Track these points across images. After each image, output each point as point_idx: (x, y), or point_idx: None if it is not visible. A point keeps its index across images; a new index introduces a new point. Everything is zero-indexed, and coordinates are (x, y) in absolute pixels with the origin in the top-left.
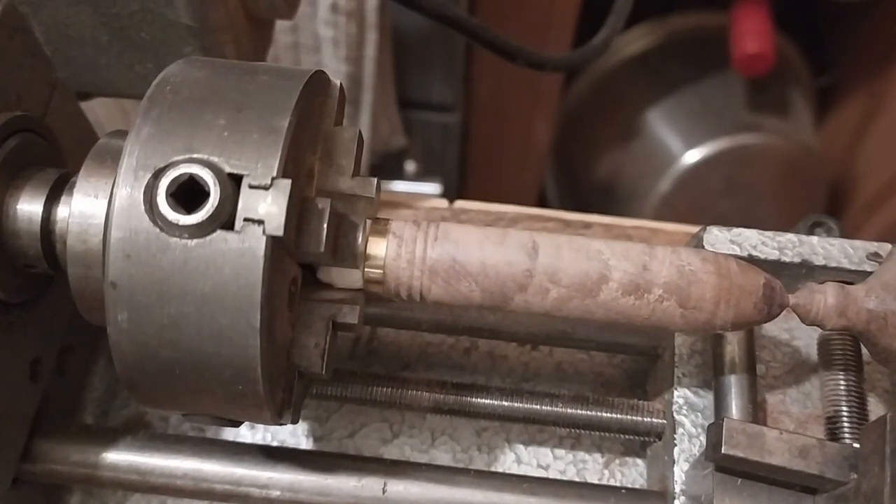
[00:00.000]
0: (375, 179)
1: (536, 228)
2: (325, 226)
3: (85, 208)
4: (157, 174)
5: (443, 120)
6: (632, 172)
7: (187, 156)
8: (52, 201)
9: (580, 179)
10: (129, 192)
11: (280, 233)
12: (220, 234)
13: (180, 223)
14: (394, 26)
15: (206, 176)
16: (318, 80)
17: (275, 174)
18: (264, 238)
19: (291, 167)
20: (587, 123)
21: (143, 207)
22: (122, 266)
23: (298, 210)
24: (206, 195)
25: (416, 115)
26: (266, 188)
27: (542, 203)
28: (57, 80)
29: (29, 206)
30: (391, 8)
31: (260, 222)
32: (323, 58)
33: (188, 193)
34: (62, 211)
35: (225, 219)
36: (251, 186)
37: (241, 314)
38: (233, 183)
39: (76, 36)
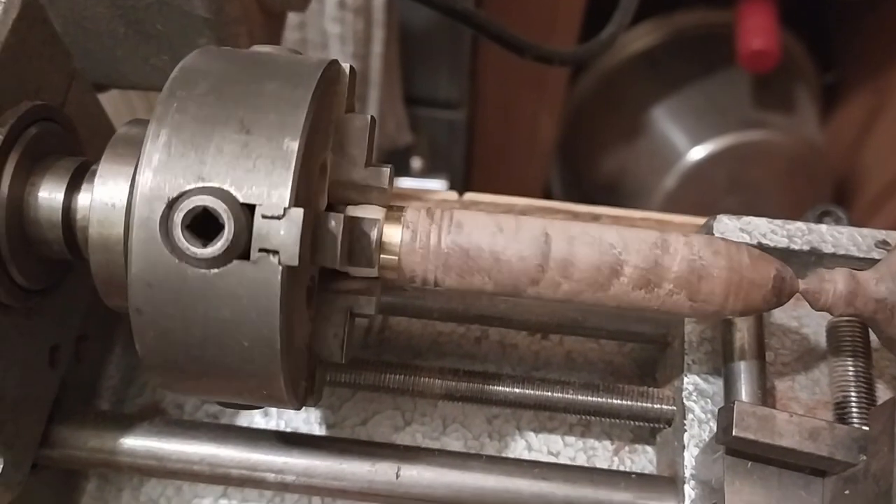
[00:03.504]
0: (388, 169)
1: None
2: (339, 242)
3: (106, 196)
4: (171, 204)
5: (449, 116)
6: (637, 169)
7: (199, 185)
8: (72, 189)
9: (585, 176)
10: (145, 223)
11: (295, 263)
12: (236, 265)
13: (197, 256)
14: (400, 23)
15: (220, 209)
16: (328, 77)
17: (287, 204)
18: (280, 268)
19: (304, 188)
20: (593, 120)
21: (160, 239)
22: (146, 294)
23: (312, 227)
24: (221, 226)
25: (422, 111)
26: (279, 218)
27: (547, 199)
28: (75, 70)
29: (50, 195)
30: (398, 5)
31: (275, 252)
32: (330, 54)
33: (203, 220)
34: (83, 199)
35: (240, 250)
36: (264, 216)
37: (262, 338)
38: (246, 211)
39: (93, 28)
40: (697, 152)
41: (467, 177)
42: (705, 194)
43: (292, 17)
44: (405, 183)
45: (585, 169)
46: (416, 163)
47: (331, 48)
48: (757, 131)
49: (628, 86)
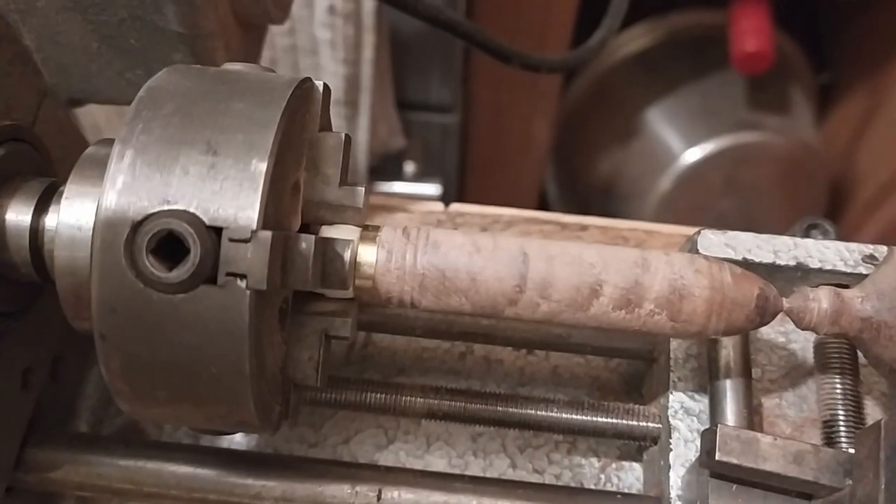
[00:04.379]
0: (363, 188)
1: (533, 231)
2: (310, 264)
3: (72, 219)
4: (136, 228)
5: (442, 121)
6: (632, 171)
7: (165, 208)
8: (40, 211)
9: (580, 179)
10: (109, 247)
11: (263, 287)
12: (203, 290)
13: (163, 280)
14: (392, 28)
15: (186, 232)
16: (299, 95)
17: (254, 227)
18: (248, 293)
19: (273, 209)
20: (587, 123)
21: (124, 262)
22: (110, 320)
23: (282, 249)
24: (187, 250)
25: (414, 116)
26: (247, 241)
27: (542, 203)
28: (46, 88)
29: (17, 217)
30: (388, 10)
31: (243, 276)
32: (320, 60)
33: (169, 244)
34: (50, 221)
35: (207, 274)
36: (231, 240)
37: (231, 365)
38: (213, 234)
39: (66, 43)
40: (692, 154)
41: (461, 181)
42: (701, 196)
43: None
44: (398, 187)
45: (580, 171)
46: (410, 167)
47: (321, 54)
48: (752, 133)
49: (623, 88)
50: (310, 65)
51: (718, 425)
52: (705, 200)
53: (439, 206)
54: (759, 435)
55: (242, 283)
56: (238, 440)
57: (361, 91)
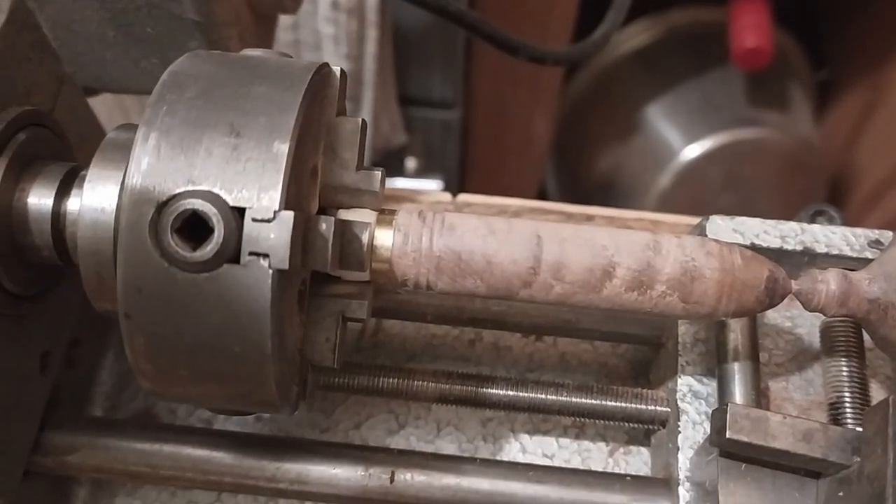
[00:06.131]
0: (379, 172)
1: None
2: (330, 246)
3: (95, 201)
4: (161, 208)
5: (443, 116)
6: (632, 167)
7: (189, 188)
8: (62, 195)
9: (581, 175)
10: (134, 227)
11: (285, 266)
12: (226, 269)
13: (187, 260)
14: (394, 23)
15: (209, 212)
16: (318, 80)
17: (277, 207)
18: (270, 272)
19: (294, 191)
20: (587, 119)
21: (149, 243)
22: (134, 299)
23: (303, 230)
24: (211, 230)
25: (416, 111)
26: (269, 221)
27: (542, 199)
28: (65, 74)
29: (39, 200)
30: (391, 5)
31: (265, 256)
32: (324, 55)
33: (193, 224)
34: (73, 204)
35: (230, 253)
36: (254, 220)
37: (253, 343)
38: (236, 214)
39: (82, 31)
40: (692, 150)
41: (462, 177)
42: (700, 192)
43: (285, 18)
44: (399, 183)
45: (580, 168)
46: (411, 163)
47: (324, 49)
48: (751, 129)
49: (623, 84)
50: (313, 60)
51: (729, 404)
52: (705, 196)
53: (447, 196)
54: (768, 413)
55: (265, 263)
56: (251, 424)
57: (364, 86)
